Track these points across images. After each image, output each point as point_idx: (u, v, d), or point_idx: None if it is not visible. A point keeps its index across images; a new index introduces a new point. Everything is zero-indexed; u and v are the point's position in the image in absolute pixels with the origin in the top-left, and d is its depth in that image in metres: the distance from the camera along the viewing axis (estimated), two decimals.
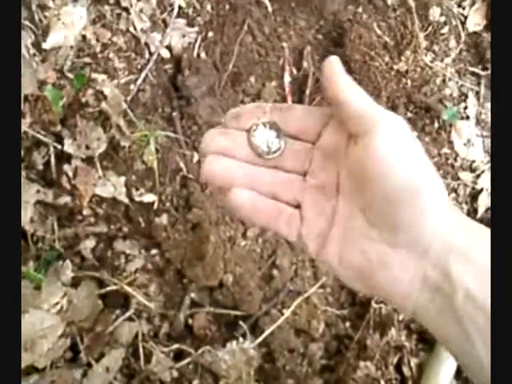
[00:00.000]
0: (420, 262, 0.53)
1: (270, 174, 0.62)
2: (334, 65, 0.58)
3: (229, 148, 0.62)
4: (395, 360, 1.39)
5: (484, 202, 1.46)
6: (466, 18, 1.51)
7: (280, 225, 0.61)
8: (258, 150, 0.62)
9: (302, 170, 0.62)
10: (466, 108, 1.49)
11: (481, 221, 1.42)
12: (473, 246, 0.52)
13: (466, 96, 1.50)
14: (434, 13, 1.47)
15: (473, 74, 1.52)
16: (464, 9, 1.51)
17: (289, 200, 0.61)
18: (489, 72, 1.51)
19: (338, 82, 0.57)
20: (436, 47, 1.50)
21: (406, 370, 1.40)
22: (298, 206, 0.61)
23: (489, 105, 1.51)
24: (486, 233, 0.54)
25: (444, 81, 1.49)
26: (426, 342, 1.42)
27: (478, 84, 1.52)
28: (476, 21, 1.51)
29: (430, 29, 1.48)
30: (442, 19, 1.49)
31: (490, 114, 1.51)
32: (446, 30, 1.49)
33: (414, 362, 1.40)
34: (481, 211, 1.47)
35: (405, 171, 0.52)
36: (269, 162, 0.62)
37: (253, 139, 0.62)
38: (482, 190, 1.48)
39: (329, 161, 0.60)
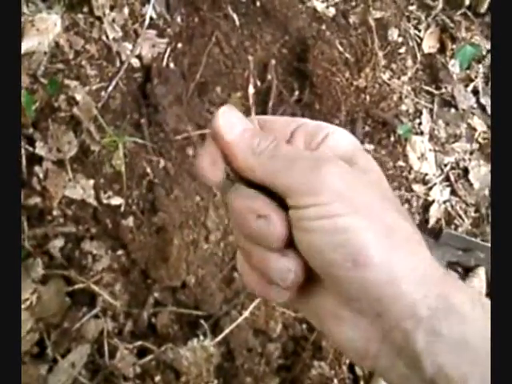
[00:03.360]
0: (375, 323, 0.44)
1: None
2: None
3: None
4: (348, 360, 1.42)
5: (435, 213, 1.53)
6: (421, 40, 1.59)
7: None
8: None
9: None
10: (420, 124, 1.57)
11: (431, 230, 1.50)
12: (441, 314, 0.42)
13: (421, 113, 1.57)
14: (393, 33, 1.54)
15: (427, 92, 1.60)
16: (420, 31, 1.59)
17: None
18: (442, 91, 1.58)
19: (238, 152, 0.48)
20: (394, 65, 1.56)
21: (358, 369, 1.44)
22: None
23: (441, 122, 1.59)
24: (459, 293, 0.43)
25: (400, 97, 1.56)
26: None
27: (432, 102, 1.59)
28: (430, 43, 1.58)
29: (388, 48, 1.55)
30: (400, 40, 1.56)
31: (442, 130, 1.58)
32: (403, 50, 1.56)
33: None
34: (432, 222, 1.54)
35: (337, 253, 0.43)
36: None
37: None
38: (433, 201, 1.54)
39: None
